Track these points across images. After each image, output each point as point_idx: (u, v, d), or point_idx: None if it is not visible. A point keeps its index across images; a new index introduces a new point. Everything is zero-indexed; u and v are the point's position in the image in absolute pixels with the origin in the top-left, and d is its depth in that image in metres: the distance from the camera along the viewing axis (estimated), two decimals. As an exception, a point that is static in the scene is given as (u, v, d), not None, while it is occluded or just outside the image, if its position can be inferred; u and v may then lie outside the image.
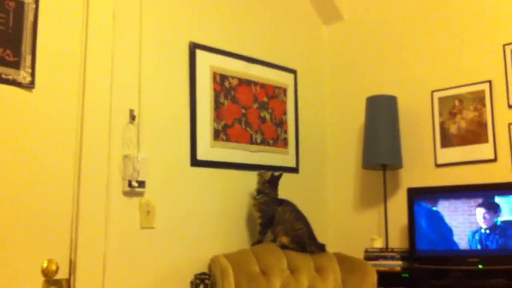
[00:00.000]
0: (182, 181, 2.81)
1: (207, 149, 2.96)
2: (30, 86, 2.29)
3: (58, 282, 2.21)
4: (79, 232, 2.33)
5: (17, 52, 2.26)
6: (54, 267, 2.13)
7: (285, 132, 3.46)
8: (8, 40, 2.24)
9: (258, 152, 3.25)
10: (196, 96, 2.94)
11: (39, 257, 2.19)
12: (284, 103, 3.48)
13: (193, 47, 2.96)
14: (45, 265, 2.12)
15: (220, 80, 3.08)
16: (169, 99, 2.81)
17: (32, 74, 2.30)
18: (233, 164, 3.08)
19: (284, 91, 3.50)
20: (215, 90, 3.05)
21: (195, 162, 2.89)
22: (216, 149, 3.01)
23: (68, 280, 2.27)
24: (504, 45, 3.09)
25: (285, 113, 3.48)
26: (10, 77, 2.23)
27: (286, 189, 3.14)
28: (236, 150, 3.12)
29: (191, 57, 2.95)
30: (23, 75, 2.27)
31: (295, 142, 3.53)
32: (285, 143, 3.45)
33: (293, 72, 3.59)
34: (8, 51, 2.24)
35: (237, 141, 3.13)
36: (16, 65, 2.25)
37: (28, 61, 2.29)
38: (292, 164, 3.49)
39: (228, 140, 3.08)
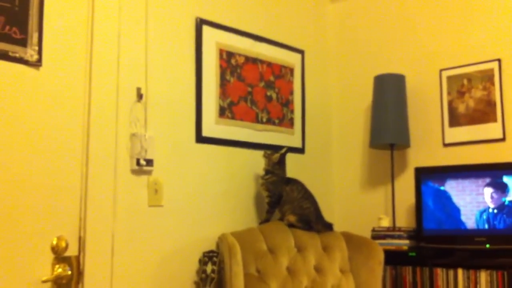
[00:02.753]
0: (187, 158, 2.80)
1: (212, 126, 2.94)
2: (37, 64, 2.28)
3: (67, 259, 2.23)
4: (87, 210, 2.33)
5: (24, 29, 2.24)
6: (63, 244, 2.14)
7: (292, 112, 3.44)
8: (14, 17, 2.21)
9: (264, 131, 3.23)
10: (202, 72, 2.91)
11: (48, 234, 2.20)
12: (291, 83, 3.46)
13: (200, 23, 2.93)
14: (54, 242, 2.13)
15: (227, 57, 3.06)
16: (175, 76, 2.79)
17: (39, 52, 2.28)
18: (238, 142, 3.07)
19: (291, 71, 3.47)
20: (221, 67, 3.02)
21: (200, 138, 2.88)
22: (221, 126, 2.99)
23: (77, 257, 2.29)
24: (514, 23, 3.05)
25: (291, 93, 3.46)
26: (17, 54, 2.21)
27: (292, 169, 3.13)
28: (242, 128, 3.10)
29: (198, 33, 2.91)
30: (30, 53, 2.25)
31: (301, 123, 3.51)
32: (291, 123, 3.44)
33: (301, 52, 3.56)
34: (14, 29, 2.22)
35: (242, 119, 3.11)
36: (23, 43, 2.24)
37: (35, 39, 2.27)
38: (298, 144, 3.48)
39: (233, 117, 3.06)
